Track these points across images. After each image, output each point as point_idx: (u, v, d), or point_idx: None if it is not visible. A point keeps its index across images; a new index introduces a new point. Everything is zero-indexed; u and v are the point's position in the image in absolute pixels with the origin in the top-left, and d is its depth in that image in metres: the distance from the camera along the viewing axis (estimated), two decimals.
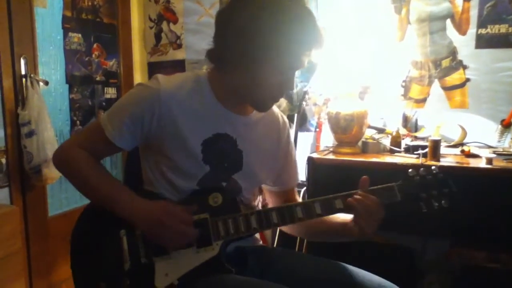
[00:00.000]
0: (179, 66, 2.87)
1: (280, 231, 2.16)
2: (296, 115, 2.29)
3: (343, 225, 1.17)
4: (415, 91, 2.32)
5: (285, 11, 1.06)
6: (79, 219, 1.23)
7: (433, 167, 1.18)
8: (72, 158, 1.19)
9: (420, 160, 1.83)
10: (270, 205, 1.39)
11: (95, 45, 2.60)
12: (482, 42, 2.16)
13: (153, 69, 2.96)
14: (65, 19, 2.39)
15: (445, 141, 2.11)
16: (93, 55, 2.60)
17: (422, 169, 1.17)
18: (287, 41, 1.06)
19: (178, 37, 2.87)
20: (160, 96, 1.13)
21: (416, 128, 2.29)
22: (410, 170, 1.17)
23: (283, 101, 2.47)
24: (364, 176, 1.16)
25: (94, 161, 1.20)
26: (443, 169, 1.73)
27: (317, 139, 2.47)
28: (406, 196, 1.14)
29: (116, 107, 1.19)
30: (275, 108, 1.34)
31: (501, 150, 1.98)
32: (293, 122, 2.27)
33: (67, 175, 1.22)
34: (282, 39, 1.05)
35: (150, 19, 2.94)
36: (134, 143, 1.20)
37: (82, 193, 1.20)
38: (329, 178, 1.94)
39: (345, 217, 1.18)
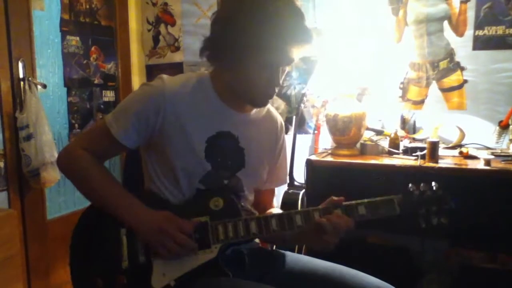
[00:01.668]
0: (177, 68, 2.87)
1: None
2: (294, 117, 2.30)
3: (317, 236, 1.13)
4: (413, 92, 2.33)
5: (266, 6, 1.06)
6: (83, 214, 1.24)
7: (433, 183, 1.16)
8: (77, 161, 1.19)
9: (419, 162, 1.84)
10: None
11: (93, 48, 2.60)
12: (479, 43, 2.17)
13: (151, 71, 2.96)
14: (63, 22, 2.39)
15: (443, 143, 2.12)
16: (91, 58, 2.60)
17: (422, 184, 1.16)
18: (267, 36, 1.06)
19: (176, 40, 2.88)
20: (165, 94, 1.15)
21: (414, 129, 2.29)
22: (410, 185, 1.16)
23: (281, 103, 2.48)
24: (341, 197, 1.14)
25: (99, 164, 1.21)
26: (442, 171, 1.75)
27: (315, 141, 2.47)
28: (405, 211, 1.13)
29: (121, 107, 1.20)
30: (274, 111, 1.36)
31: (499, 151, 1.98)
32: (291, 124, 2.28)
33: (71, 178, 1.22)
34: (262, 33, 1.06)
35: (148, 22, 2.94)
36: (139, 141, 1.20)
37: (85, 195, 1.21)
38: (328, 180, 1.94)
39: None
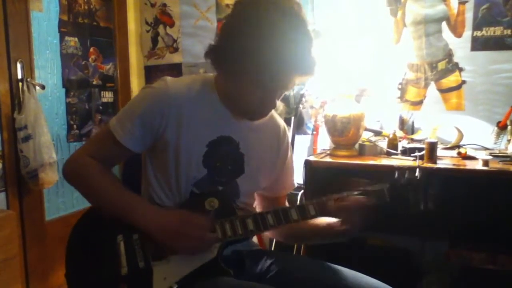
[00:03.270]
0: (176, 69, 2.87)
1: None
2: (293, 118, 2.30)
3: (328, 225, 1.19)
4: (412, 93, 2.33)
5: (276, 25, 1.05)
6: (75, 225, 1.23)
7: (416, 174, 1.21)
8: (84, 169, 1.18)
9: (417, 163, 1.84)
10: (258, 208, 1.41)
11: (91, 49, 2.60)
12: (478, 44, 2.17)
13: (149, 72, 2.96)
14: (61, 23, 2.39)
15: (441, 143, 2.12)
16: (90, 59, 2.60)
17: (407, 172, 1.21)
18: (269, 57, 1.05)
19: (174, 41, 2.88)
20: (169, 96, 1.15)
21: (412, 130, 2.29)
22: (396, 173, 1.21)
23: (279, 104, 2.47)
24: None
25: (106, 171, 1.20)
26: (440, 171, 1.75)
27: (314, 142, 2.47)
28: (394, 197, 1.17)
29: (124, 111, 1.19)
30: (277, 117, 1.36)
31: (497, 152, 1.98)
32: (290, 125, 2.27)
33: (79, 188, 1.20)
34: (264, 52, 1.05)
35: (147, 23, 2.94)
36: (145, 145, 1.19)
37: (94, 204, 1.20)
38: (326, 181, 1.94)
39: (328, 218, 1.21)
